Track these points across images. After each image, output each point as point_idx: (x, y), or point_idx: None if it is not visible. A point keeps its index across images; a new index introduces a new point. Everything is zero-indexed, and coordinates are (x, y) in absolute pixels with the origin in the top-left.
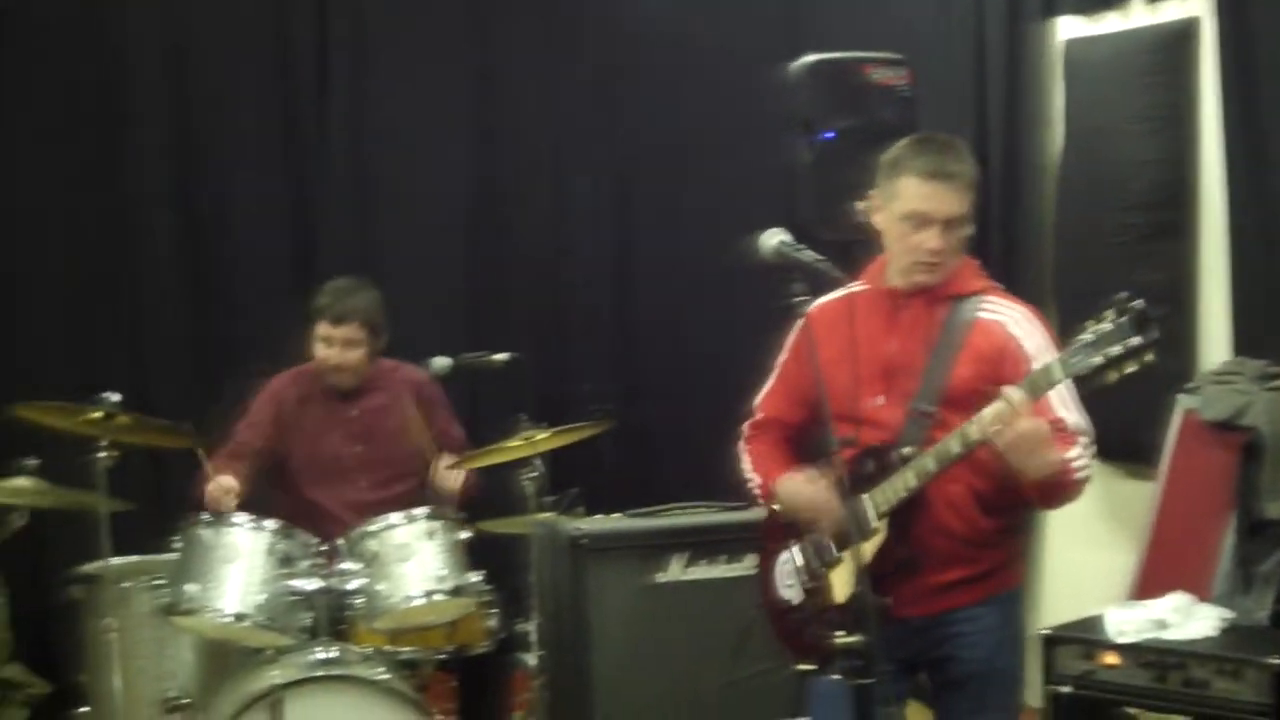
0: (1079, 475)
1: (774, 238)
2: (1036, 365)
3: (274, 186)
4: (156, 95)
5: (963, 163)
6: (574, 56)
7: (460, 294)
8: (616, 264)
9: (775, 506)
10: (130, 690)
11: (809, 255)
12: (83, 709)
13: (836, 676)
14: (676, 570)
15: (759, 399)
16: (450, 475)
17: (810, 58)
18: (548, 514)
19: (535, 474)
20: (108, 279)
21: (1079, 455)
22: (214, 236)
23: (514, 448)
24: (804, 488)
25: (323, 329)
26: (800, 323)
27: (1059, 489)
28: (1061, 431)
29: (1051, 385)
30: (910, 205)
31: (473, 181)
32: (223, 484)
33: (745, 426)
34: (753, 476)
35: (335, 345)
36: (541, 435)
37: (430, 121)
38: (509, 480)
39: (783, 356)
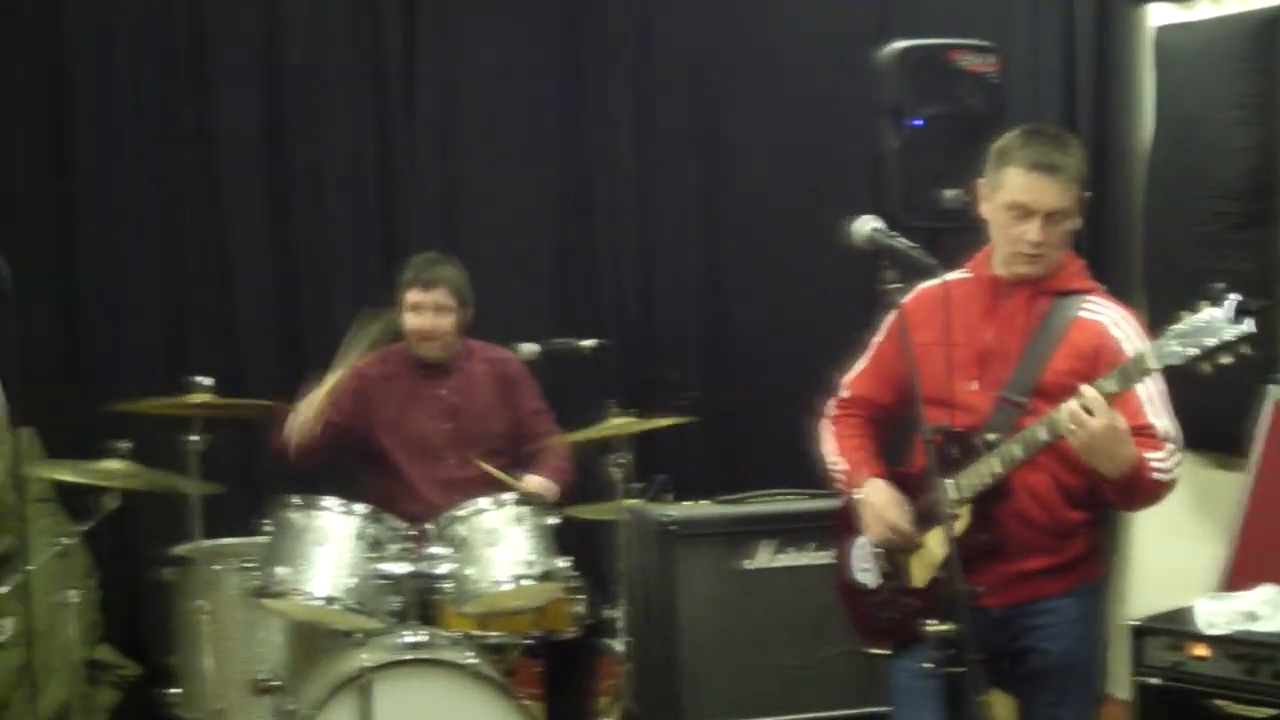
0: (1158, 477)
1: (867, 224)
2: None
3: (362, 177)
4: (247, 86)
5: (1070, 156)
6: (663, 42)
7: (547, 280)
8: (704, 251)
9: (855, 496)
10: (221, 672)
11: (902, 242)
12: (173, 690)
13: (926, 665)
14: (765, 557)
15: (847, 377)
16: (535, 483)
17: (899, 44)
18: (636, 500)
19: (623, 460)
20: (200, 268)
21: (1162, 458)
22: (304, 227)
23: (601, 434)
24: (883, 501)
25: (413, 296)
26: (896, 308)
27: (1137, 490)
28: (1150, 437)
29: (1144, 374)
30: (1013, 196)
31: (561, 168)
32: (300, 408)
33: (830, 403)
34: (837, 461)
35: (426, 312)
36: (627, 422)
37: (518, 108)
38: (596, 467)
39: (877, 338)
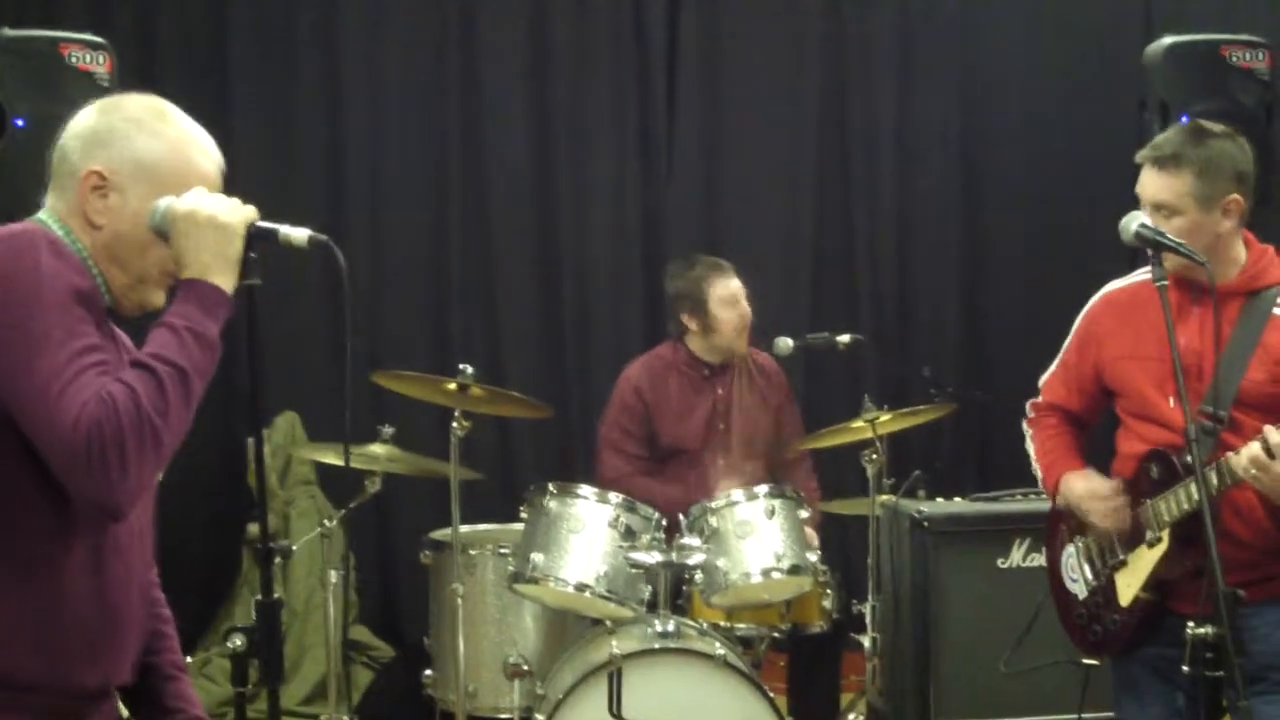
0: None
1: (1134, 221)
2: None
3: (625, 170)
4: (515, 93)
5: (1204, 149)
6: (922, 41)
7: (805, 276)
8: (962, 246)
9: (1058, 501)
10: (473, 655)
11: (1169, 239)
12: (426, 672)
13: (1185, 669)
14: (1018, 556)
15: (1043, 379)
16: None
17: (1167, 39)
18: (889, 496)
19: (876, 456)
20: (466, 260)
21: None
22: (566, 228)
23: (856, 429)
24: (1084, 485)
25: (724, 288)
26: (1087, 310)
27: None
28: None
29: None
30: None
31: (820, 165)
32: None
33: (1028, 406)
34: (1037, 466)
35: (741, 301)
36: (884, 417)
37: (777, 111)
38: (849, 462)
39: (1067, 341)
